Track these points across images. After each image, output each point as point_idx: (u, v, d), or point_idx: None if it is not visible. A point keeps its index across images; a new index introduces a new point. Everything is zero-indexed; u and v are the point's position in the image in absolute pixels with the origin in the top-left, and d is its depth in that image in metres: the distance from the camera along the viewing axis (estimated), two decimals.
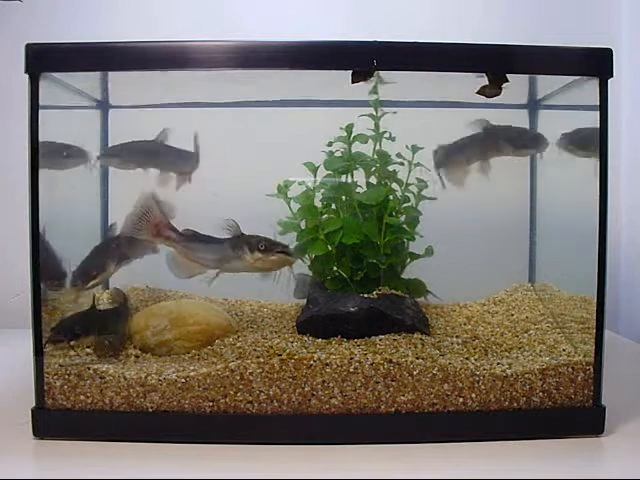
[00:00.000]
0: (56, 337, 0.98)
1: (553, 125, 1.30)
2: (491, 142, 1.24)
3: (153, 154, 1.29)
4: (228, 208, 1.40)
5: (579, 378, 1.01)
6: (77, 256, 1.19)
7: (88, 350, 1.08)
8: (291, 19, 1.67)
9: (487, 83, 1.01)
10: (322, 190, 1.28)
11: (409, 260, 1.30)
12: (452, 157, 1.27)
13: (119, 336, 1.07)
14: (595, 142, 0.98)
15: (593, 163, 1.00)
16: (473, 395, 0.99)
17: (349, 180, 1.28)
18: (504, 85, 1.00)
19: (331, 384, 0.98)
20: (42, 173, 0.96)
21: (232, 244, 1.10)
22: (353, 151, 1.28)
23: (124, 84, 1.16)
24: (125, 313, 1.14)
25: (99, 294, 1.34)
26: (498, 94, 1.01)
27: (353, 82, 0.99)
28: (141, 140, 1.29)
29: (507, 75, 1.00)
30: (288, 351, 1.01)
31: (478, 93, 1.02)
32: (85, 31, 1.64)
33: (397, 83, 1.12)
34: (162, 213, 1.09)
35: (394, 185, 1.28)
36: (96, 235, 1.36)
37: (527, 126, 1.35)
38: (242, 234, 1.11)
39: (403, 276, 1.31)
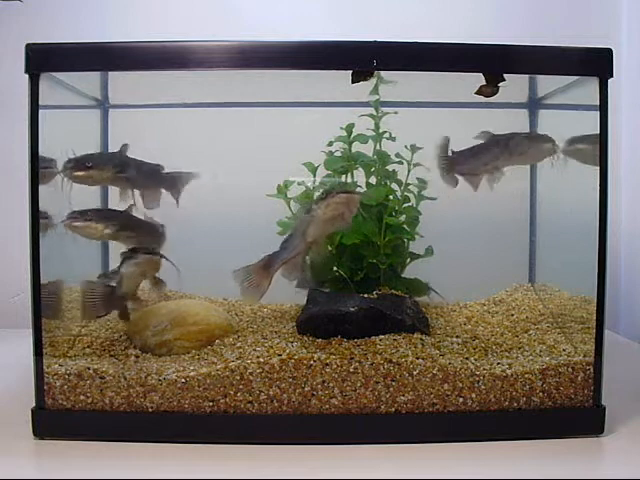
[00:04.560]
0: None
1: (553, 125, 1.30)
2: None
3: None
4: (228, 208, 1.41)
5: (579, 378, 1.01)
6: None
7: (88, 350, 1.08)
8: (292, 19, 1.67)
9: (484, 83, 1.01)
10: (322, 190, 1.28)
11: (409, 260, 1.30)
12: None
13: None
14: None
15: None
16: (473, 395, 0.99)
17: (349, 180, 1.28)
18: (501, 84, 1.01)
19: (331, 384, 0.98)
20: None
21: (306, 211, 1.10)
22: (353, 151, 1.28)
23: (124, 83, 1.16)
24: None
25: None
26: (496, 93, 1.02)
27: (353, 82, 0.99)
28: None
29: (505, 74, 1.00)
30: (288, 351, 1.01)
31: (477, 93, 1.03)
32: (86, 31, 1.64)
33: (398, 83, 1.12)
34: (252, 264, 1.10)
35: (394, 185, 1.28)
36: None
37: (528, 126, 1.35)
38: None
39: (403, 276, 1.31)
